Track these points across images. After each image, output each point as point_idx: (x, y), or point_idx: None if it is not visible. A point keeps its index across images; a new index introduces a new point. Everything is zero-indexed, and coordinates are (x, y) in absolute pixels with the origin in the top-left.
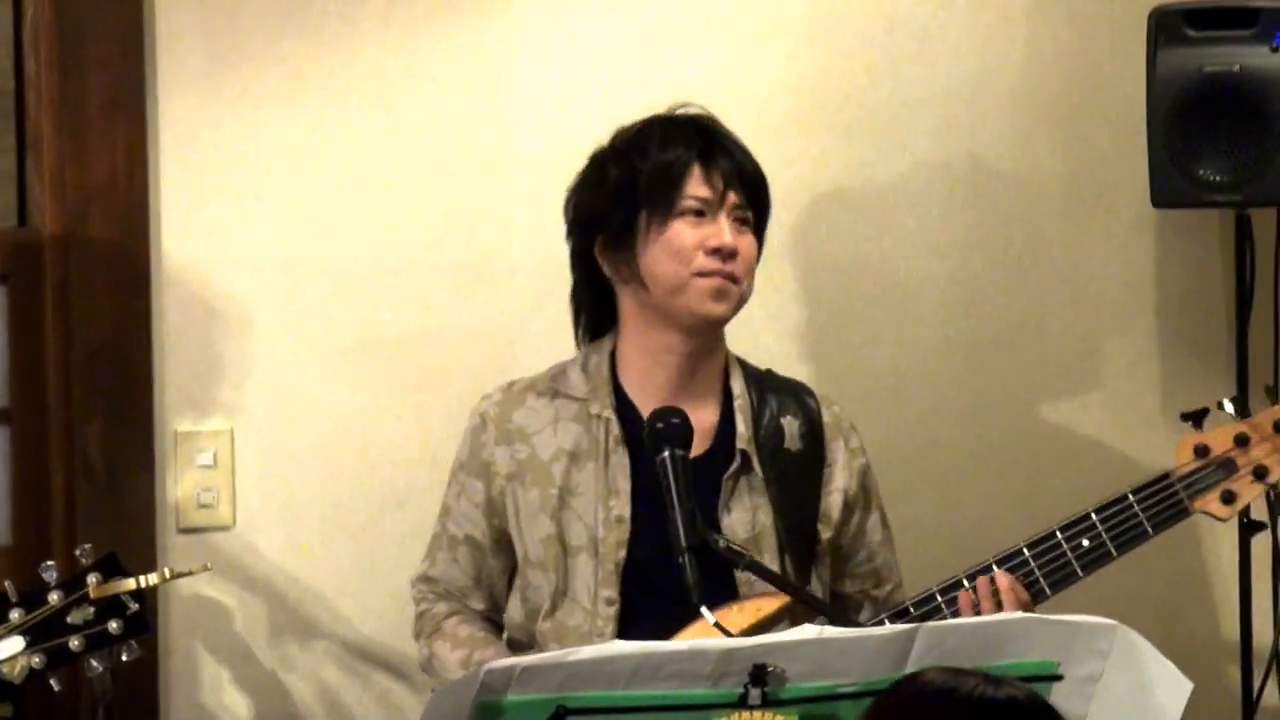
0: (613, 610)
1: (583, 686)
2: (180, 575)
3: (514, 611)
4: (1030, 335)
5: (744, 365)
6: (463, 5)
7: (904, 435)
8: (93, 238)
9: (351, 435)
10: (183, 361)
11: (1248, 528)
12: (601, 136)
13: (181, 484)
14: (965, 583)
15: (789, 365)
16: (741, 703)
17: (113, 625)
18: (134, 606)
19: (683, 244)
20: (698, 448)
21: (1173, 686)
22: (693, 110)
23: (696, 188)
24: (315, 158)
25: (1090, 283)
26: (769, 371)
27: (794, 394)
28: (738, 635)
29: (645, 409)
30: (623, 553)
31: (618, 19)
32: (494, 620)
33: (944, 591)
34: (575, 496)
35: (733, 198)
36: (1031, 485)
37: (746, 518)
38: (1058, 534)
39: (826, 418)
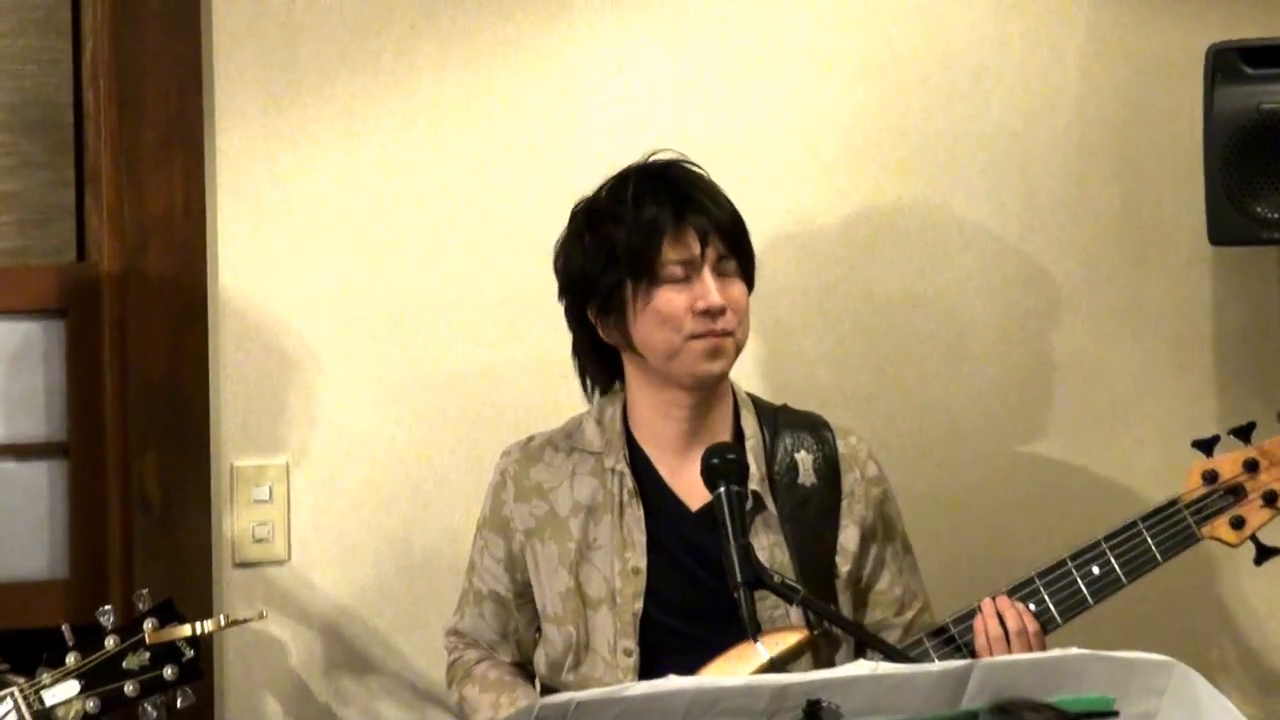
0: (631, 661)
1: None
2: (236, 623)
3: (540, 664)
4: (1086, 373)
5: (756, 403)
6: (519, 43)
7: (958, 473)
8: (150, 272)
9: (406, 470)
10: (239, 396)
11: (1262, 554)
12: None
13: (237, 519)
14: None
15: (844, 402)
16: None
17: (168, 671)
18: (189, 653)
19: (671, 310)
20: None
21: None
22: (664, 158)
23: (676, 251)
24: (371, 193)
25: (1147, 320)
26: (784, 407)
27: (809, 428)
28: (758, 670)
29: (658, 460)
30: (639, 604)
31: (673, 56)
32: (524, 667)
33: (956, 621)
34: (593, 550)
35: (713, 252)
36: (1087, 523)
37: (764, 556)
38: (1068, 562)
39: (842, 449)
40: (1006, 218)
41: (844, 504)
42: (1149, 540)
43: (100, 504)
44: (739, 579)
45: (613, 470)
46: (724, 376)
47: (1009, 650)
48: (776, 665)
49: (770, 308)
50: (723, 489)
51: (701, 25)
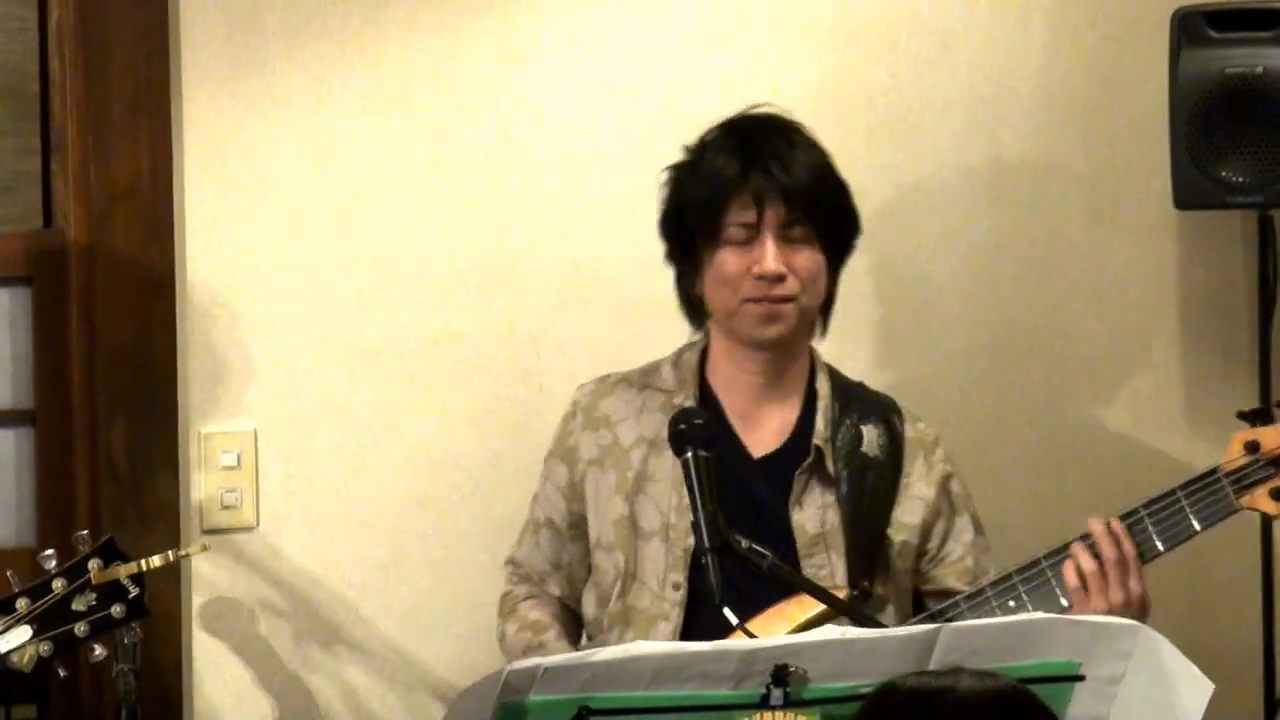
0: (679, 595)
1: (605, 687)
2: (182, 556)
3: (589, 605)
4: (1053, 337)
5: (833, 372)
6: (486, 9)
7: None
8: (117, 240)
9: (374, 436)
10: (206, 363)
11: None
12: (624, 139)
13: (205, 485)
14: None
15: None
16: (764, 703)
17: (116, 609)
18: (134, 590)
19: (728, 272)
20: (775, 442)
21: (1194, 687)
22: (760, 112)
23: (738, 213)
24: (339, 160)
25: (1113, 285)
26: (860, 384)
27: (880, 407)
28: (792, 631)
29: (729, 406)
30: (692, 539)
31: (642, 22)
32: (569, 608)
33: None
34: (651, 482)
35: (776, 216)
36: (1054, 487)
37: (816, 515)
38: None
39: (909, 433)
40: (974, 183)
41: (903, 482)
42: (1186, 508)
43: (68, 472)
44: (706, 545)
45: (681, 407)
46: (787, 340)
47: (1106, 584)
48: (817, 624)
49: None
50: (690, 454)
51: None
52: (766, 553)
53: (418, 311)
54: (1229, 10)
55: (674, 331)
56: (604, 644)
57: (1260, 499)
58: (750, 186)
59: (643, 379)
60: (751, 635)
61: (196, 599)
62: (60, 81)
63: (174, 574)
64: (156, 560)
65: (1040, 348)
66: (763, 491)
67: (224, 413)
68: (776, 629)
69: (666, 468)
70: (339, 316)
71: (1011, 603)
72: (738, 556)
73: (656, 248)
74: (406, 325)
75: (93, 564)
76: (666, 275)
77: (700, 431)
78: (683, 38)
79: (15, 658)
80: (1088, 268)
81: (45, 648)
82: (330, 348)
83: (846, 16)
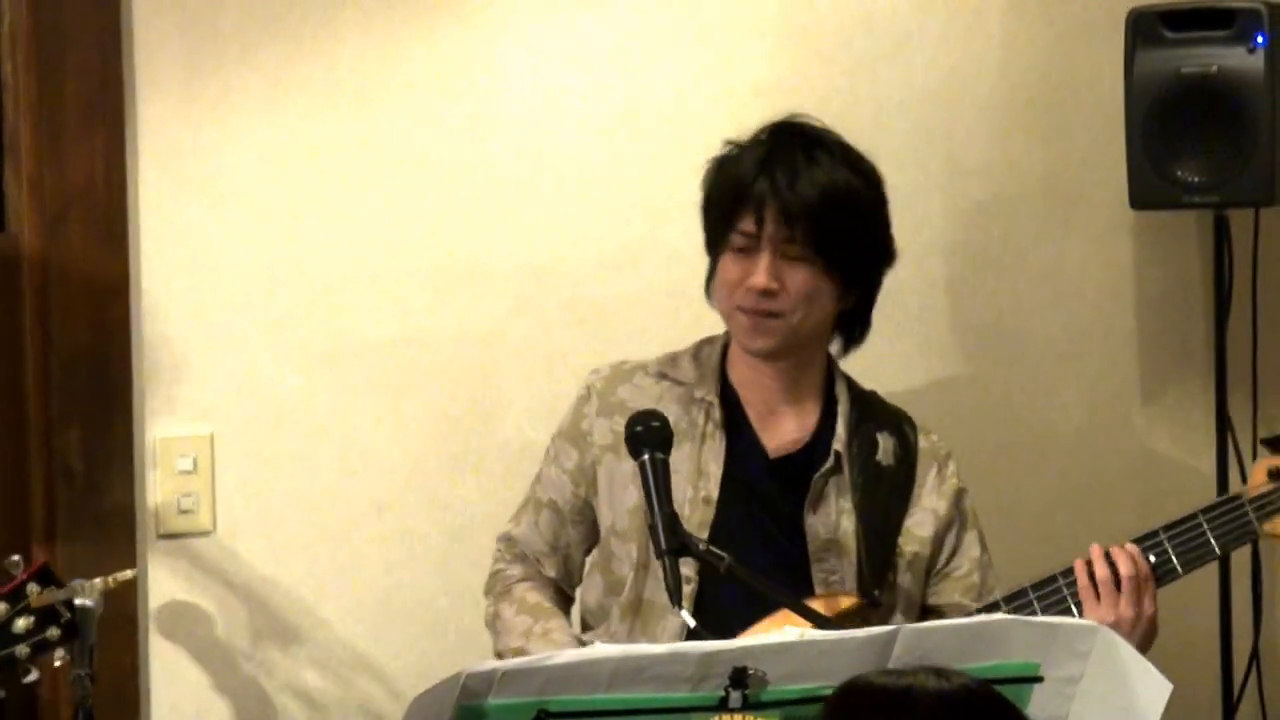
0: (690, 589)
1: (563, 690)
2: (118, 582)
3: (591, 590)
4: (1008, 337)
5: (851, 381)
6: (442, 10)
7: None
8: (71, 243)
9: (331, 440)
10: (162, 367)
11: None
12: (579, 140)
13: (161, 489)
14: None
15: None
16: (722, 705)
17: (51, 632)
18: (67, 615)
19: (726, 277)
20: (793, 444)
21: (1153, 687)
22: (796, 121)
23: (742, 223)
24: (294, 163)
25: (1069, 284)
26: (874, 393)
27: (894, 417)
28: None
29: (749, 404)
30: (705, 534)
31: (595, 24)
32: (564, 592)
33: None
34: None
35: (776, 232)
36: (1011, 486)
37: (830, 520)
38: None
39: (923, 444)
40: (929, 183)
41: (915, 491)
42: (1208, 532)
43: (22, 476)
44: (663, 547)
45: (701, 400)
46: (781, 353)
47: (1118, 595)
48: (831, 627)
49: (694, 276)
50: (646, 457)
51: None
52: (724, 555)
53: (374, 314)
54: (1184, 10)
55: (631, 332)
56: (610, 635)
57: None
58: (754, 197)
59: (661, 369)
60: (706, 637)
61: (154, 603)
62: (13, 84)
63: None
64: (98, 585)
65: (996, 347)
66: (777, 491)
67: (180, 417)
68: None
69: (683, 459)
70: (295, 320)
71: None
72: (697, 558)
73: (613, 249)
74: (363, 328)
75: (31, 588)
76: (624, 277)
77: (656, 434)
78: (635, 39)
79: None
80: (1044, 267)
81: None
82: (286, 351)
83: (800, 15)
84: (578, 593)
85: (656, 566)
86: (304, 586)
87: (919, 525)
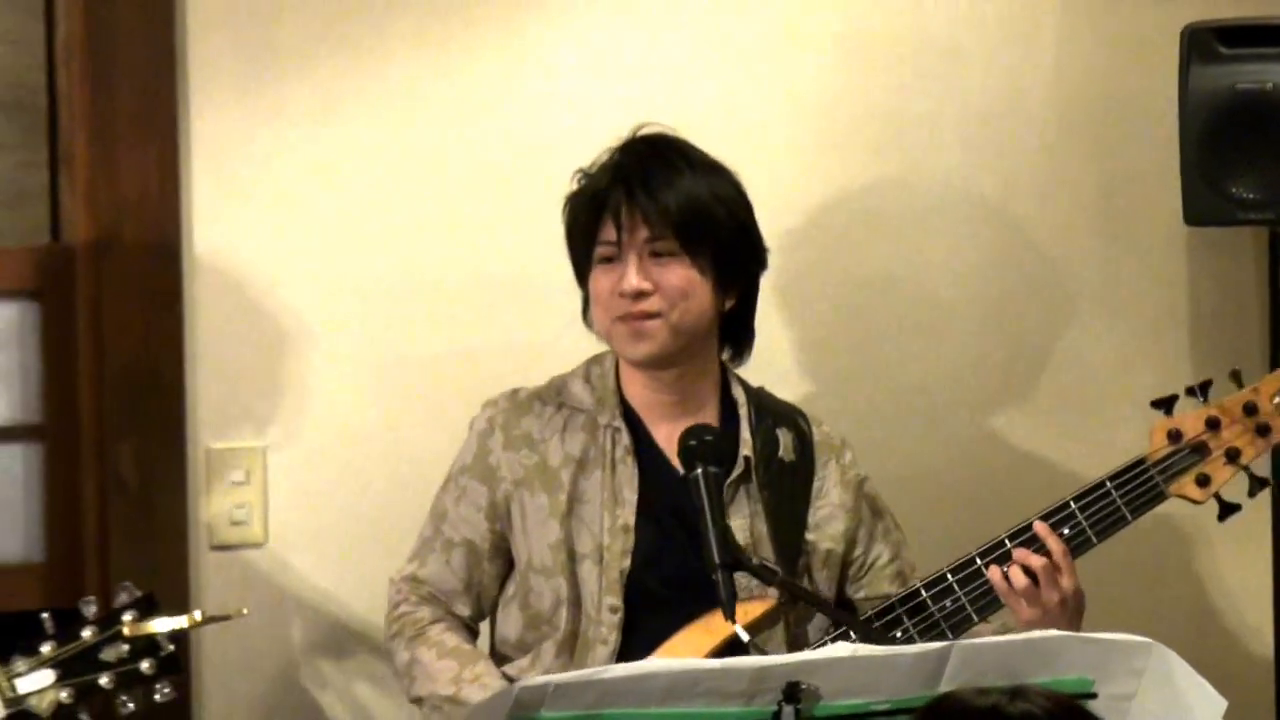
0: (616, 618)
1: (616, 703)
2: (213, 620)
3: (510, 624)
4: (1062, 354)
5: (743, 382)
6: (494, 23)
7: (936, 455)
8: (125, 253)
9: (383, 452)
10: (215, 378)
11: (1224, 511)
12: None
13: (214, 501)
14: (979, 560)
15: (821, 384)
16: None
17: (144, 665)
18: (169, 648)
19: (598, 292)
20: None
21: (1207, 704)
22: (645, 133)
23: (604, 232)
24: (347, 174)
25: (1122, 301)
26: (761, 388)
27: (786, 411)
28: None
29: (650, 423)
30: (627, 561)
31: (651, 37)
32: (473, 630)
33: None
34: (582, 504)
35: (639, 233)
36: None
37: (744, 524)
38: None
39: (817, 436)
40: (983, 199)
41: (817, 485)
42: (1117, 499)
43: (76, 487)
44: (717, 561)
45: (607, 427)
46: (668, 359)
47: (1038, 589)
48: (745, 640)
49: None
50: (700, 471)
51: (680, 6)
52: (777, 569)
53: (427, 326)
54: (1239, 26)
55: None
56: (545, 669)
57: (1187, 486)
58: (612, 203)
59: (557, 398)
60: (764, 652)
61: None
62: (67, 94)
63: (182, 590)
64: (184, 621)
65: (1050, 364)
66: (693, 507)
67: (233, 428)
68: (701, 642)
69: (595, 488)
70: (348, 331)
71: (948, 602)
72: (750, 572)
73: None
74: (415, 340)
75: (127, 616)
76: None
77: (710, 449)
78: (688, 53)
79: (35, 700)
80: (1097, 284)
81: (67, 694)
82: (339, 363)
83: (853, 31)
84: (488, 625)
85: (583, 599)
86: (356, 599)
87: (828, 521)
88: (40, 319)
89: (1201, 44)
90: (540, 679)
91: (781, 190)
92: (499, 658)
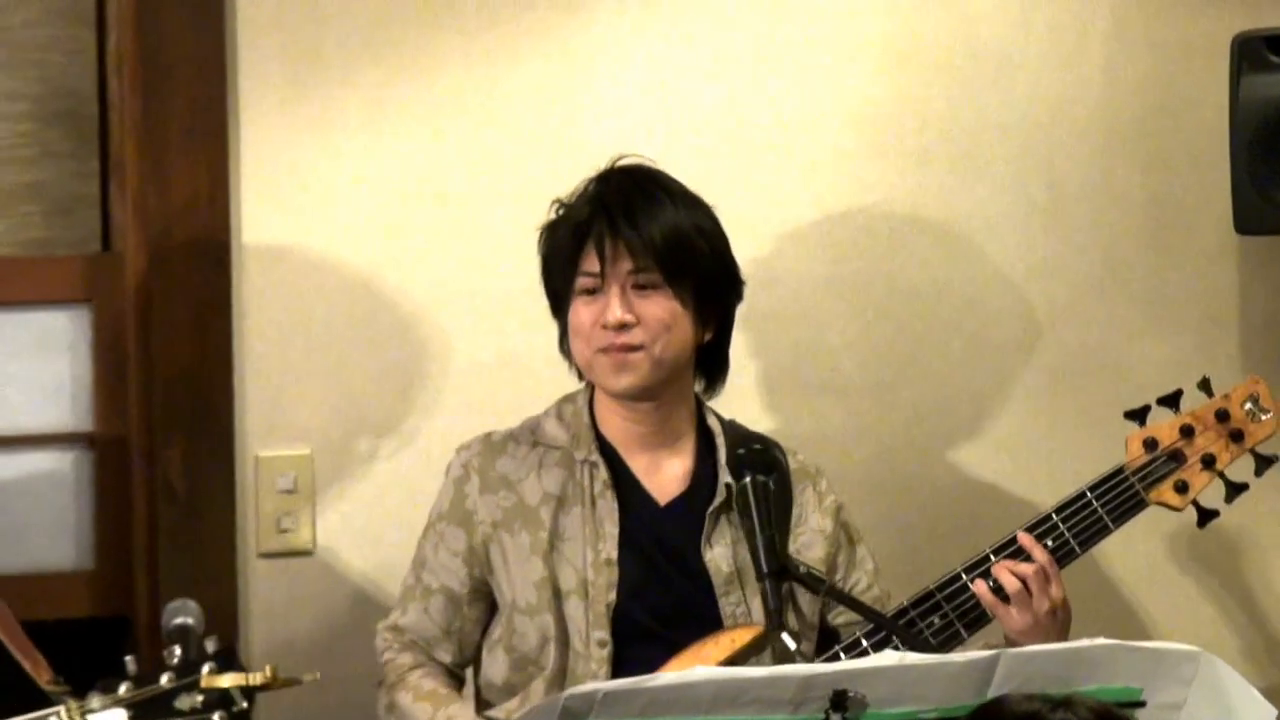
0: (605, 652)
1: (664, 712)
2: (288, 683)
3: (495, 667)
4: (1111, 362)
5: (715, 413)
6: (540, 32)
7: (984, 463)
8: (174, 262)
9: (429, 460)
10: (263, 385)
11: (1203, 518)
12: (676, 164)
13: (262, 508)
14: (964, 575)
15: (867, 392)
16: None
17: (216, 717)
18: (243, 704)
19: (579, 323)
20: (678, 487)
21: (1257, 712)
22: (624, 164)
23: (586, 263)
24: (395, 183)
25: (1172, 309)
26: (733, 420)
27: (759, 440)
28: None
29: (628, 455)
30: (613, 595)
31: (694, 47)
32: (457, 676)
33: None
34: (564, 540)
35: (621, 265)
36: None
37: (728, 553)
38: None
39: (793, 464)
40: (1031, 208)
41: (796, 513)
42: (1099, 508)
43: (125, 494)
44: (764, 569)
45: (584, 462)
46: (650, 391)
47: (1030, 598)
48: (734, 663)
49: (794, 298)
50: (749, 480)
51: (729, 17)
52: (823, 578)
53: (472, 335)
54: None
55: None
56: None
57: (1166, 493)
58: (594, 234)
59: (532, 436)
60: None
61: (253, 622)
62: (118, 103)
63: (230, 597)
64: (258, 677)
65: (1098, 372)
66: (675, 538)
67: (280, 436)
68: (713, 654)
69: (576, 524)
70: (396, 339)
71: (936, 619)
72: (797, 581)
73: None
74: (464, 349)
75: (206, 667)
76: None
77: (759, 457)
78: (735, 62)
79: None
80: (1146, 292)
81: None
82: (386, 371)
83: (902, 39)
84: (472, 672)
85: (570, 635)
86: None
87: (808, 547)
88: (90, 327)
89: (1252, 53)
90: (589, 686)
91: (827, 198)
92: (482, 704)
